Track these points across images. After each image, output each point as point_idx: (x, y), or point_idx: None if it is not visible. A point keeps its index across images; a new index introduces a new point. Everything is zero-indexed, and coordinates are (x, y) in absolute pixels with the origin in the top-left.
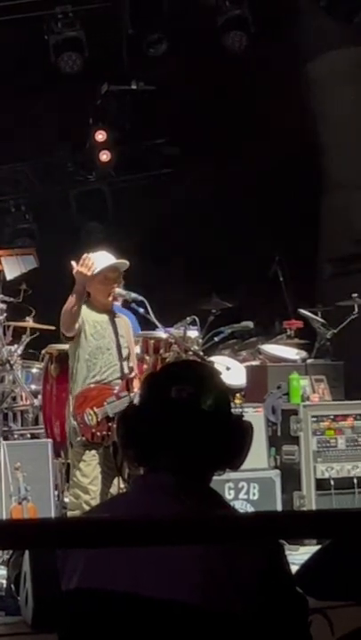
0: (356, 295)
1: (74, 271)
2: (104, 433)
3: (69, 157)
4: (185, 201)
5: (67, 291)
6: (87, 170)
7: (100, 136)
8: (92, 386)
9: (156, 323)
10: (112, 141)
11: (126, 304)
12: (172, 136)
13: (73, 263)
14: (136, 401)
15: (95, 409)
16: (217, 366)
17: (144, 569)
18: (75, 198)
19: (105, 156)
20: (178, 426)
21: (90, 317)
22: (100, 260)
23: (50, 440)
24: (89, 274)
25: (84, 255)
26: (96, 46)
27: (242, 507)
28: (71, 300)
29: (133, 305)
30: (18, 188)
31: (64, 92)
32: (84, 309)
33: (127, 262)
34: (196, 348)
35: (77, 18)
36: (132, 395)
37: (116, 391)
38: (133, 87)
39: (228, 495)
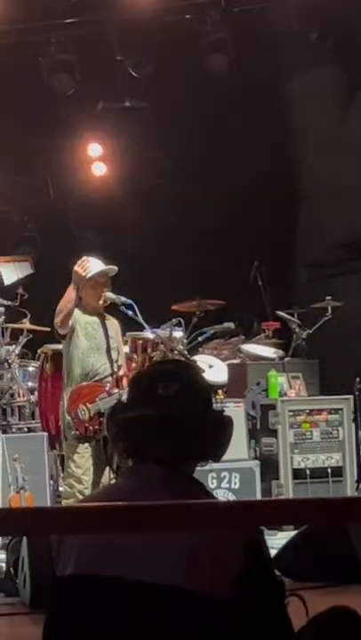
0: (329, 298)
1: (73, 271)
2: (96, 427)
3: (66, 171)
4: (171, 210)
5: (61, 295)
6: (83, 181)
7: (96, 150)
8: (85, 383)
9: (144, 324)
10: (106, 155)
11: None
12: (162, 150)
13: (75, 267)
14: (125, 397)
15: (88, 405)
16: (200, 364)
17: (133, 555)
18: (72, 209)
19: (99, 169)
20: (164, 420)
21: (82, 319)
22: (90, 266)
23: (45, 433)
24: (83, 274)
25: (83, 257)
26: (89, 68)
27: (224, 495)
28: (69, 291)
29: (123, 308)
30: (20, 200)
31: (62, 110)
32: (77, 312)
33: (116, 268)
34: (181, 347)
35: (70, 42)
36: (121, 392)
37: (107, 388)
38: (127, 104)
39: (211, 484)
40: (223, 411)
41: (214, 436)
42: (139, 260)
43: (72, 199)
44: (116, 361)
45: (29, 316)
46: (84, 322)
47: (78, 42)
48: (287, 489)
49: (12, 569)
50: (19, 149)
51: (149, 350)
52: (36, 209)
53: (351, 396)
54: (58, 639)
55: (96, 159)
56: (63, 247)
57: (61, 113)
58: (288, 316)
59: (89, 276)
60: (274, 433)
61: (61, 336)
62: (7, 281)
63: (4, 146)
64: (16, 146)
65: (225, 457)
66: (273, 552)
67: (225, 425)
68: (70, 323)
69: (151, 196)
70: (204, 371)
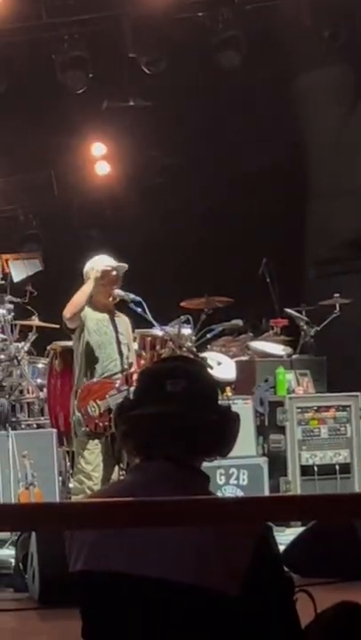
0: (337, 295)
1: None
2: (106, 424)
3: (71, 169)
4: (179, 208)
5: (68, 292)
6: (88, 180)
7: (100, 149)
8: (95, 380)
9: (153, 321)
10: (111, 154)
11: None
12: (168, 148)
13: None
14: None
15: (98, 401)
16: (209, 361)
17: (142, 551)
18: (77, 207)
19: (104, 168)
20: (172, 417)
21: (92, 316)
22: (100, 263)
23: (54, 430)
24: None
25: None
26: (98, 65)
27: (232, 491)
28: (87, 285)
29: (132, 305)
30: (24, 198)
31: (66, 108)
32: (87, 309)
33: (126, 265)
34: (190, 344)
35: (83, 38)
36: (131, 388)
37: (117, 385)
38: (132, 103)
39: (220, 481)
40: (230, 407)
41: (221, 432)
42: (147, 257)
43: (77, 197)
44: (127, 357)
45: (38, 314)
46: (94, 318)
47: (91, 39)
48: (295, 485)
49: (21, 564)
50: (23, 147)
51: (158, 347)
52: (40, 207)
53: (359, 393)
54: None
55: (100, 158)
56: (68, 245)
57: (67, 111)
58: (296, 314)
59: (98, 274)
60: (282, 430)
61: (69, 329)
62: (16, 278)
63: (8, 144)
64: (21, 144)
65: (233, 453)
66: (281, 548)
67: (232, 421)
68: (80, 318)
69: (160, 194)
70: (211, 367)
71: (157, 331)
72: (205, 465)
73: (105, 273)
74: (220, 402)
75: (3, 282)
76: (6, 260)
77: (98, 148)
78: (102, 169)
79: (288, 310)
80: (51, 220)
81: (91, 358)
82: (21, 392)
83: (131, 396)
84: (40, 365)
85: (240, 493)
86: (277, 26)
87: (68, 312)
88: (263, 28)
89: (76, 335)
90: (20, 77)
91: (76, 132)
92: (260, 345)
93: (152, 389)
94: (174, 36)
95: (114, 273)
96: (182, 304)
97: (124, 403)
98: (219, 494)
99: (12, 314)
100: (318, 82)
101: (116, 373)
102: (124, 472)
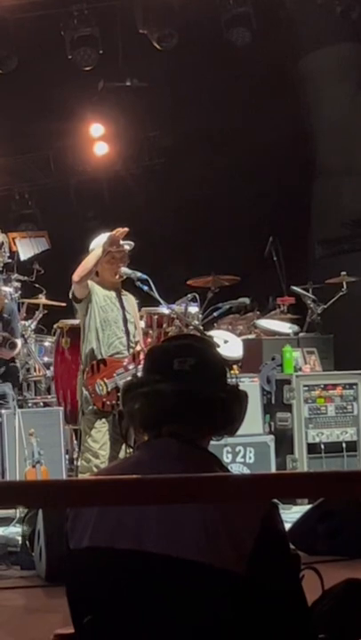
0: (344, 273)
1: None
2: (113, 402)
3: (69, 149)
4: (188, 186)
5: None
6: (85, 161)
7: (98, 129)
8: (103, 359)
9: (160, 299)
10: (109, 134)
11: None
12: (169, 127)
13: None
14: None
15: (105, 380)
16: (216, 340)
17: (148, 528)
18: (74, 187)
19: (102, 148)
20: (180, 394)
21: (100, 292)
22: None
23: (61, 408)
24: (110, 247)
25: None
26: (108, 42)
27: (239, 469)
28: (93, 253)
29: (138, 283)
30: (22, 177)
31: (69, 89)
32: (95, 286)
33: (132, 243)
34: (197, 322)
35: (92, 15)
36: (139, 367)
37: (124, 363)
38: (128, 84)
39: (226, 459)
40: (238, 385)
41: (229, 410)
42: (154, 236)
43: (75, 177)
44: (133, 336)
45: (45, 291)
46: (102, 295)
47: (101, 16)
48: (302, 463)
49: (27, 542)
50: (20, 127)
51: (165, 325)
52: (37, 186)
53: None
54: (77, 611)
55: (99, 138)
56: (68, 225)
57: (68, 91)
58: (303, 292)
59: (103, 246)
60: (289, 408)
61: (77, 300)
62: (24, 256)
63: (5, 124)
64: (18, 124)
65: (240, 431)
66: (287, 526)
67: (240, 399)
68: (87, 288)
69: (165, 173)
70: (219, 346)
71: (164, 309)
72: (212, 443)
73: (111, 256)
74: (227, 380)
75: (10, 260)
76: (13, 239)
77: (96, 129)
78: (101, 149)
79: (295, 288)
80: (47, 200)
81: (98, 333)
82: (28, 370)
83: (139, 374)
84: (47, 343)
85: (247, 471)
86: (288, 2)
87: (77, 275)
88: (274, 5)
89: (82, 310)
90: (30, 55)
91: (74, 113)
92: (267, 323)
93: (160, 367)
94: (184, 14)
95: (120, 250)
96: (189, 282)
97: (131, 380)
98: None
99: (20, 292)
100: (329, 59)
101: (122, 350)
102: (130, 450)
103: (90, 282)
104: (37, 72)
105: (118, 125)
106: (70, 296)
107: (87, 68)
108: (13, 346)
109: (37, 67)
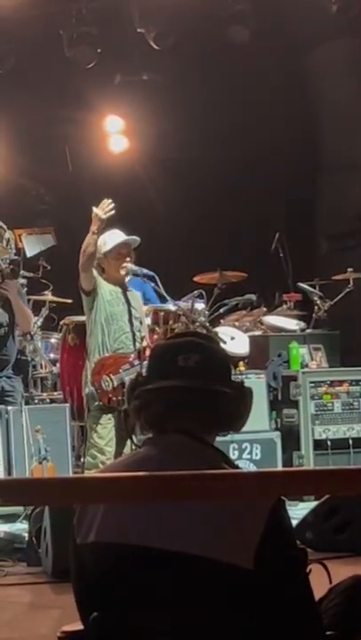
0: (350, 270)
1: (93, 214)
2: (119, 398)
3: (84, 144)
4: (192, 183)
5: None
6: (99, 153)
7: (114, 124)
8: (108, 355)
9: (166, 296)
10: (125, 128)
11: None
12: (179, 123)
13: (93, 208)
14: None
15: (111, 376)
16: (222, 336)
17: (155, 524)
18: (88, 181)
19: (116, 143)
20: (185, 391)
21: (105, 287)
22: (112, 237)
23: (67, 404)
24: (103, 216)
25: (106, 200)
26: (108, 40)
27: (245, 466)
28: (88, 237)
29: (144, 280)
30: (36, 175)
31: (79, 84)
32: (101, 281)
33: (138, 239)
34: (203, 319)
35: (90, 14)
36: (145, 363)
37: (130, 359)
38: (144, 78)
39: (233, 455)
40: (243, 381)
41: (235, 406)
42: (161, 232)
43: (89, 171)
44: (139, 331)
45: (51, 287)
46: (108, 289)
47: (99, 14)
48: (308, 460)
49: (34, 538)
50: (36, 122)
51: (171, 322)
52: (53, 182)
53: None
54: (83, 606)
55: (115, 132)
56: (81, 220)
57: (80, 85)
58: (310, 288)
59: (110, 248)
60: (295, 404)
61: (84, 291)
62: (30, 253)
63: (21, 119)
64: (34, 119)
65: (246, 428)
66: (294, 522)
67: (245, 395)
68: (93, 279)
69: (172, 169)
70: (225, 342)
71: (170, 305)
72: (218, 439)
73: (117, 252)
74: (233, 376)
75: (16, 257)
76: (19, 235)
77: (112, 123)
78: (117, 144)
79: (301, 285)
80: (63, 195)
81: (103, 327)
82: (34, 367)
83: (144, 371)
84: (53, 340)
85: (253, 468)
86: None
87: (80, 263)
88: (272, 2)
89: (89, 304)
90: (29, 52)
91: (89, 107)
92: (274, 319)
93: (165, 364)
94: (182, 12)
95: (126, 246)
96: (195, 279)
97: (136, 377)
98: None
99: (26, 288)
100: (330, 55)
101: (127, 346)
102: (136, 447)
103: (97, 276)
104: (47, 68)
105: (134, 119)
106: (78, 286)
107: (88, 66)
108: (15, 274)
109: (50, 61)
